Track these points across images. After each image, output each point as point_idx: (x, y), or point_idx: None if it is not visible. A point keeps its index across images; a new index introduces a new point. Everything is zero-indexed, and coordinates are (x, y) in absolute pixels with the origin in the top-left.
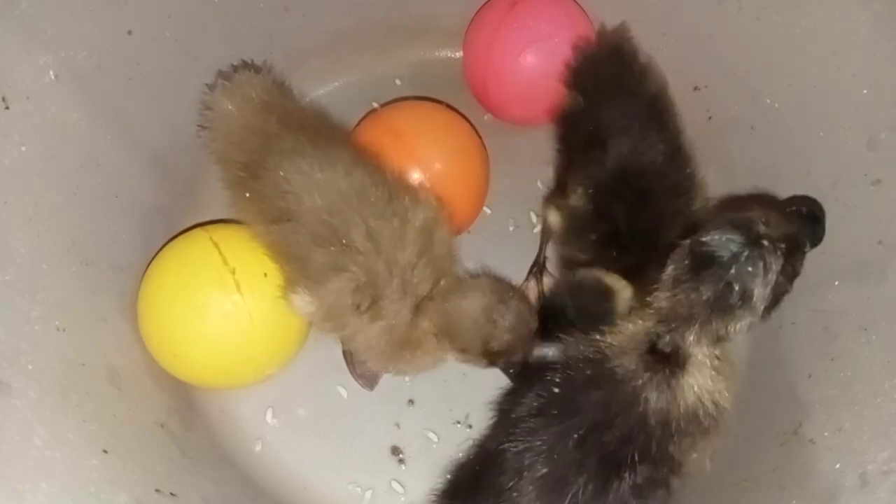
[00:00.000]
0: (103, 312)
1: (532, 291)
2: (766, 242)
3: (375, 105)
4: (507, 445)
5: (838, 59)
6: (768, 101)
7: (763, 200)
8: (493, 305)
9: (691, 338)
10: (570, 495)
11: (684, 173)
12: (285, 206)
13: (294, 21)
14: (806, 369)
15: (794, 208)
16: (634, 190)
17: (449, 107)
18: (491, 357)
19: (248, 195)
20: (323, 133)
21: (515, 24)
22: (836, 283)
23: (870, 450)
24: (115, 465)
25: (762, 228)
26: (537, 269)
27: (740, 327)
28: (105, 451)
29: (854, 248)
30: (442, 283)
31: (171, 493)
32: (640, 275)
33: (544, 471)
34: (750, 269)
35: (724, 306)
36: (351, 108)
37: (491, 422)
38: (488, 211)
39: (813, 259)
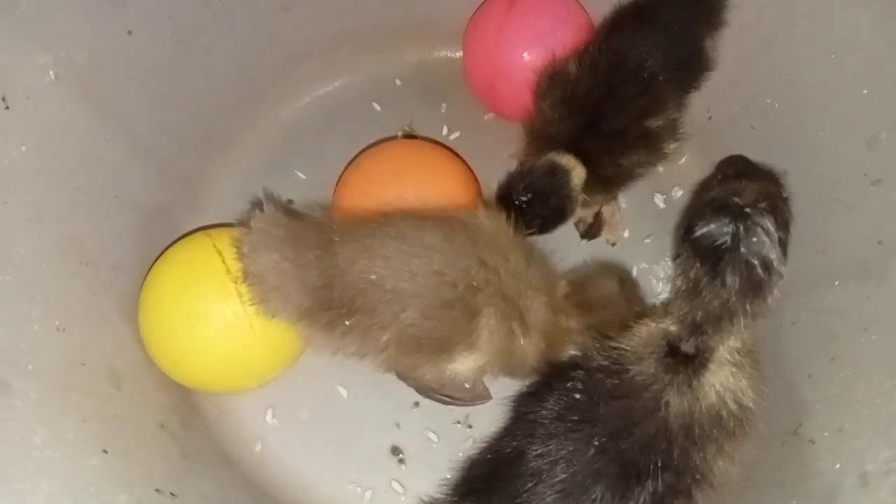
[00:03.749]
0: (103, 312)
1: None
2: (749, 210)
3: (376, 106)
4: (525, 448)
5: (838, 59)
6: (768, 101)
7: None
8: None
9: (729, 335)
10: (588, 502)
11: (664, 91)
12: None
13: (294, 21)
14: (806, 369)
15: (724, 174)
16: (611, 69)
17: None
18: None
19: (347, 322)
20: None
21: (517, 23)
22: (836, 283)
23: (870, 450)
24: (115, 465)
25: (737, 199)
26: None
27: (774, 296)
28: (105, 451)
29: (854, 248)
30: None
31: (171, 493)
32: (581, 152)
33: (563, 476)
34: (755, 238)
35: (755, 284)
36: (351, 108)
37: (508, 422)
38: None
39: (813, 259)
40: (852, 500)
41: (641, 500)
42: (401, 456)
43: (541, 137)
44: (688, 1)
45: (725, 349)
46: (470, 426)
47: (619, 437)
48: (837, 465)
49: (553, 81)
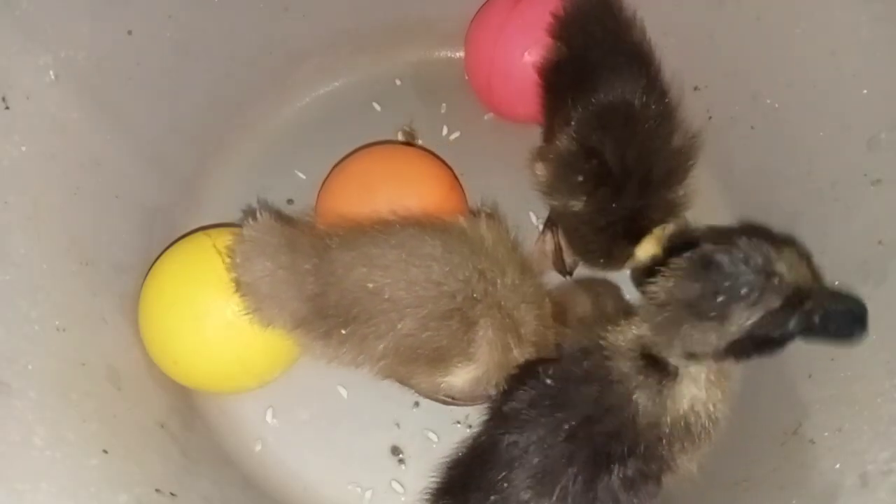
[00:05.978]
0: (103, 312)
1: (549, 244)
2: (776, 280)
3: (376, 106)
4: (498, 438)
5: (838, 59)
6: (768, 101)
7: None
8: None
9: (679, 352)
10: (559, 486)
11: (664, 104)
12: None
13: (294, 21)
14: (806, 369)
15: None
16: (619, 120)
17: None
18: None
19: (344, 332)
20: (353, 228)
21: (520, 21)
22: (836, 283)
23: (870, 450)
24: (115, 465)
25: (782, 268)
26: (551, 223)
27: (702, 341)
28: (105, 451)
29: (854, 249)
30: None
31: (171, 493)
32: (643, 219)
33: (535, 461)
34: (743, 290)
35: (699, 311)
36: (351, 108)
37: (485, 418)
38: (489, 212)
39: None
40: (852, 500)
41: (612, 483)
42: (401, 456)
43: (567, 216)
44: (609, 47)
45: (699, 368)
46: (470, 426)
47: (590, 422)
48: (837, 465)
49: (560, 176)
